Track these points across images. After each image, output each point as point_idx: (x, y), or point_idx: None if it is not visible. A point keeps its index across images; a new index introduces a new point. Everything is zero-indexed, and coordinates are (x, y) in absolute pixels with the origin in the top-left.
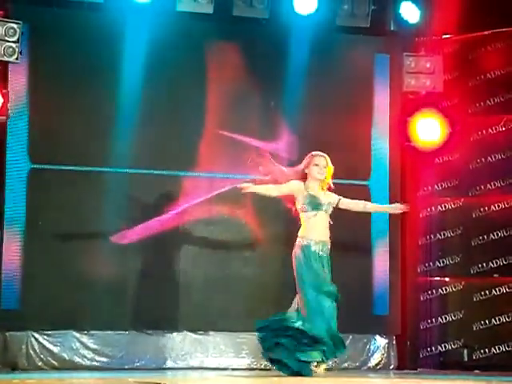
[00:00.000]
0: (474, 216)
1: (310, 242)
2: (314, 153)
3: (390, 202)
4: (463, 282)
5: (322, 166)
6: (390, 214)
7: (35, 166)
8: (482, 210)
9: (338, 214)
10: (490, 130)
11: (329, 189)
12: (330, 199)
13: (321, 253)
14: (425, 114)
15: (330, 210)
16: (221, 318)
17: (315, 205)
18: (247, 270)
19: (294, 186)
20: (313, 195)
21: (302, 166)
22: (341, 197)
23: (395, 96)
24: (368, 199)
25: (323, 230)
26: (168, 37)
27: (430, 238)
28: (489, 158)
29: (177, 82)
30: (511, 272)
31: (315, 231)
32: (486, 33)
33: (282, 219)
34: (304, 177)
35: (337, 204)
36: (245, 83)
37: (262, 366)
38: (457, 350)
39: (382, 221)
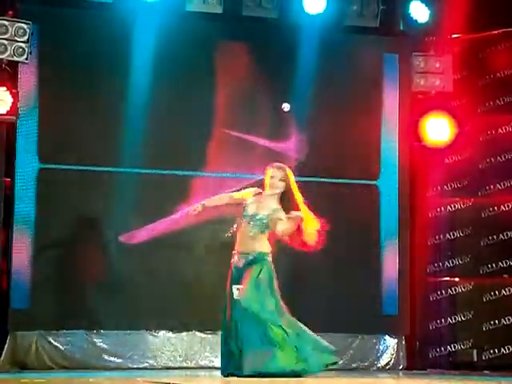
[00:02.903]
0: (483, 216)
1: None
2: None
3: (399, 202)
4: (473, 282)
5: (276, 178)
6: (400, 214)
7: (44, 166)
8: (491, 210)
9: (347, 216)
10: (499, 130)
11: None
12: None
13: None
14: (434, 114)
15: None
16: None
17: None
18: None
19: (245, 194)
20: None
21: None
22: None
23: (404, 96)
24: (377, 199)
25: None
26: (177, 37)
27: (440, 238)
28: (498, 158)
29: (186, 82)
30: None
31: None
32: (495, 32)
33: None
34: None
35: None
36: (254, 83)
37: None
38: (466, 350)
39: (392, 221)
